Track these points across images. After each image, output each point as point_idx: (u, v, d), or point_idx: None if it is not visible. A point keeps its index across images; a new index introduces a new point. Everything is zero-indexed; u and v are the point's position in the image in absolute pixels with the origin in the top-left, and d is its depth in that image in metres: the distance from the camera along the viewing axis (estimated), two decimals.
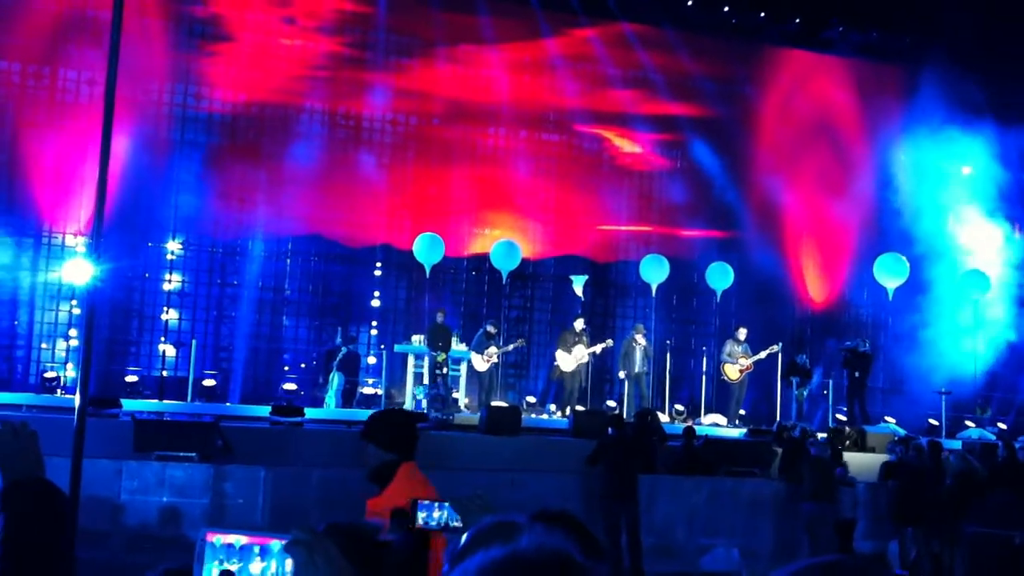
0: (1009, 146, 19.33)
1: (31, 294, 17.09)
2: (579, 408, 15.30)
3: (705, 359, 18.23)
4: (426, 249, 16.55)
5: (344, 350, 15.74)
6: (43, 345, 17.00)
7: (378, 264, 18.85)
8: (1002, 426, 17.84)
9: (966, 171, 19.90)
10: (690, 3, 19.49)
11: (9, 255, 16.91)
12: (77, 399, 5.92)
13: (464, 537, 2.05)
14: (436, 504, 2.50)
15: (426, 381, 15.24)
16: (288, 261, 18.51)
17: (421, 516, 2.46)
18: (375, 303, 18.91)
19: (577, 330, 16.24)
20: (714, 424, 16.28)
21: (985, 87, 18.85)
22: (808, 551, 11.39)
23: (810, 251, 20.20)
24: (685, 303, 19.93)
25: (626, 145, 20.31)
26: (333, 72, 18.34)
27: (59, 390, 14.66)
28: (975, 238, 19.59)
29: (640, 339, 16.33)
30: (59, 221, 16.86)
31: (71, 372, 15.70)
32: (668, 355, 17.40)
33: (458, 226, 18.57)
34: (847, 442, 14.53)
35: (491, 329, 16.02)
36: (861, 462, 13.34)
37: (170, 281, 17.77)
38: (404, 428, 4.10)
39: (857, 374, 16.77)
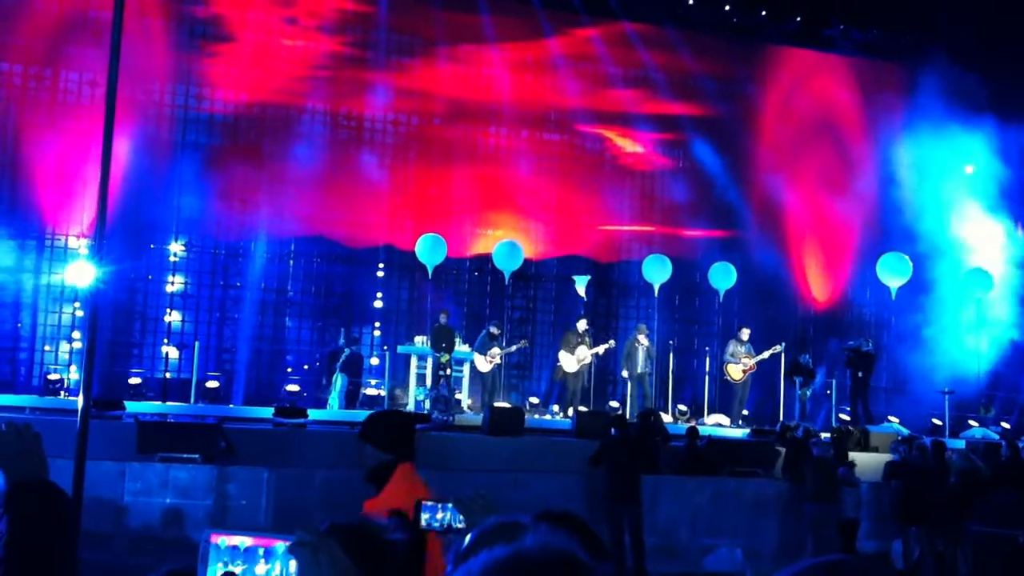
0: (1010, 143, 19.33)
1: (34, 296, 17.10)
2: (582, 409, 15.29)
3: (708, 359, 18.24)
4: (428, 250, 16.54)
5: (347, 351, 15.72)
6: (46, 347, 17.01)
7: (380, 265, 18.86)
8: (1005, 425, 17.82)
9: (969, 169, 19.88)
10: (691, 2, 19.52)
11: (12, 257, 16.90)
12: (80, 401, 5.91)
13: (468, 537, 2.04)
14: (440, 505, 2.49)
15: (429, 382, 15.23)
16: (291, 262, 18.51)
17: (424, 517, 2.45)
18: (377, 304, 18.91)
19: (580, 331, 16.23)
20: (717, 424, 16.28)
21: (985, 84, 18.84)
22: (812, 551, 11.38)
23: (813, 250, 20.20)
24: (688, 303, 19.89)
25: (628, 145, 20.30)
26: (334, 72, 18.34)
27: (62, 392, 14.60)
28: (977, 235, 19.57)
29: (643, 339, 16.31)
30: (61, 223, 16.87)
31: (74, 374, 15.66)
32: (671, 355, 17.37)
33: (460, 226, 18.55)
34: (856, 444, 14.50)
35: (494, 330, 16.01)
36: (865, 462, 13.31)
37: (173, 283, 17.78)
38: (402, 429, 4.06)
39: (860, 374, 16.76)
